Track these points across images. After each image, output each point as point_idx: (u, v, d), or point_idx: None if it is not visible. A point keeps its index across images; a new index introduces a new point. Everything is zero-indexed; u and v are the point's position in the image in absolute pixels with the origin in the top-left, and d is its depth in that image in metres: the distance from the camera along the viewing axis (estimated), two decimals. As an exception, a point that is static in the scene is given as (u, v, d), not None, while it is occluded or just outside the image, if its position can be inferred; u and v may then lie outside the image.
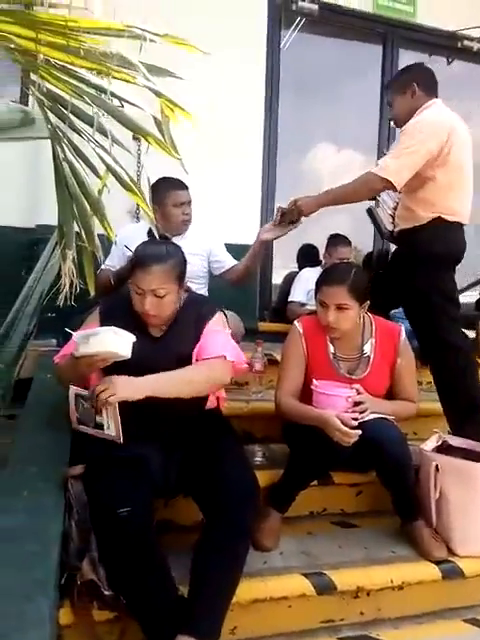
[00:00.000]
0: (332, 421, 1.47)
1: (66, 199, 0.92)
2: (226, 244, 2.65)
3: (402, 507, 1.72)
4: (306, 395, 1.72)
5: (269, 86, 3.41)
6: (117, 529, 1.25)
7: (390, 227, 2.26)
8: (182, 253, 1.58)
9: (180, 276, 1.52)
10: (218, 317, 1.60)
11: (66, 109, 0.89)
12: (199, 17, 2.73)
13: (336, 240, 3.28)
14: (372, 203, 2.35)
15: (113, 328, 1.32)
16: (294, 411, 1.66)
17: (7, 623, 1.01)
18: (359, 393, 1.61)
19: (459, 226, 2.04)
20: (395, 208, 2.21)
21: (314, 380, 1.65)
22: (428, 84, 2.12)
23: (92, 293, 1.24)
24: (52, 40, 0.87)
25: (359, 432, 1.48)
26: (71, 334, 1.34)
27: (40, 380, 1.72)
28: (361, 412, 1.57)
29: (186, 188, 2.28)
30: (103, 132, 0.94)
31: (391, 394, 1.81)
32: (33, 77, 0.91)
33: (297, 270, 3.59)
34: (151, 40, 0.90)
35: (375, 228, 2.36)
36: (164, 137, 0.98)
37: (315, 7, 3.30)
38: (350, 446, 1.50)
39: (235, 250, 2.78)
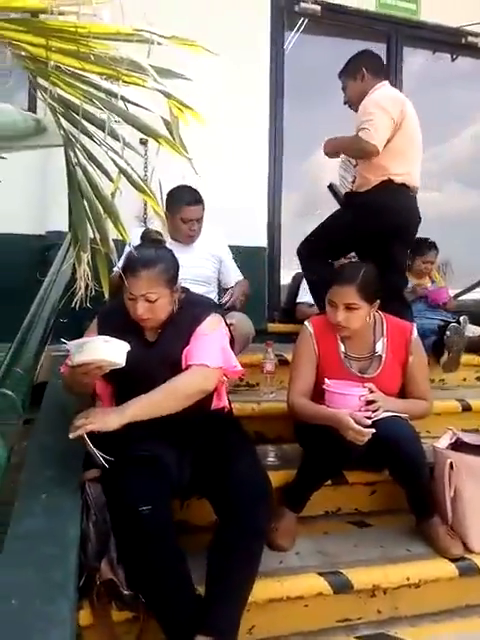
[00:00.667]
0: (345, 420, 1.47)
1: (79, 203, 0.93)
2: (231, 246, 2.66)
3: (417, 505, 1.72)
4: (318, 395, 1.72)
5: (273, 87, 3.42)
6: (139, 527, 1.26)
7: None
8: (172, 256, 1.56)
9: (171, 279, 1.50)
10: (210, 319, 1.55)
11: (78, 114, 0.90)
12: (203, 20, 2.74)
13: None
14: (334, 179, 2.58)
15: (104, 337, 1.34)
16: (307, 411, 1.66)
17: (29, 624, 1.02)
18: (372, 391, 1.61)
19: (406, 188, 2.31)
20: (353, 181, 2.44)
21: (326, 379, 1.65)
22: (375, 68, 2.40)
23: (106, 295, 1.25)
24: (63, 46, 0.88)
25: (373, 430, 1.47)
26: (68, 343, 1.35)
27: (54, 385, 1.74)
28: (374, 411, 1.57)
29: (199, 203, 2.29)
30: (114, 135, 0.96)
31: (404, 393, 1.80)
32: (45, 84, 0.92)
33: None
34: (159, 43, 0.91)
35: (336, 201, 2.56)
36: (174, 137, 0.99)
37: (317, 8, 3.31)
38: (364, 445, 1.50)
39: (241, 252, 2.79)
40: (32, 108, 2.75)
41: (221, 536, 1.31)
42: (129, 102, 0.88)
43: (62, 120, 0.91)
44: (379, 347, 1.77)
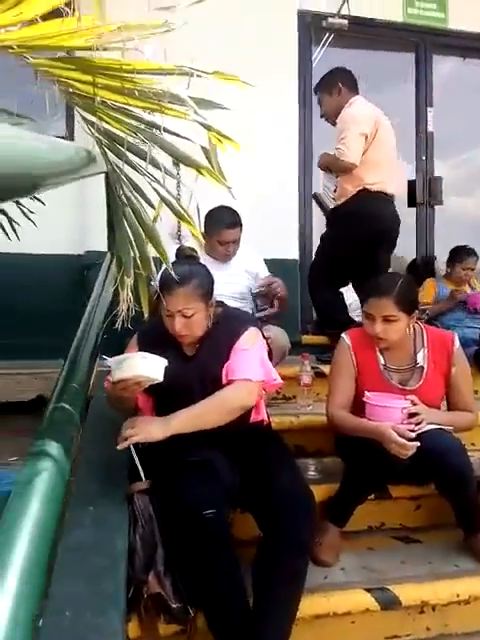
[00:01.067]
0: (388, 433, 1.46)
1: (124, 231, 0.97)
2: (266, 260, 2.69)
3: (464, 519, 1.68)
4: (357, 408, 1.71)
5: (302, 102, 3.46)
6: (202, 531, 1.27)
7: (332, 206, 2.67)
8: (206, 271, 1.59)
9: (206, 294, 1.53)
10: (249, 333, 1.56)
11: (123, 147, 0.95)
12: (232, 38, 2.82)
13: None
14: (319, 189, 2.79)
15: (142, 353, 1.37)
16: (348, 424, 1.65)
17: (82, 635, 1.05)
18: (414, 404, 1.59)
19: (384, 195, 2.49)
20: (334, 190, 2.63)
21: (366, 392, 1.64)
22: (350, 84, 2.58)
23: (146, 316, 1.29)
24: (108, 83, 0.93)
25: (417, 444, 1.45)
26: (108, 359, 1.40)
27: (98, 398, 1.80)
28: (417, 423, 1.54)
29: (237, 226, 2.31)
30: (155, 164, 1.00)
31: (447, 405, 1.77)
32: (91, 118, 0.97)
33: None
34: (198, 75, 0.95)
35: (320, 210, 2.77)
36: (212, 166, 1.03)
37: (345, 22, 3.33)
38: (407, 458, 1.48)
39: (275, 264, 2.81)
40: (70, 135, 2.88)
41: (266, 551, 1.32)
42: (171, 133, 0.92)
43: (108, 152, 0.96)
44: (420, 358, 1.75)
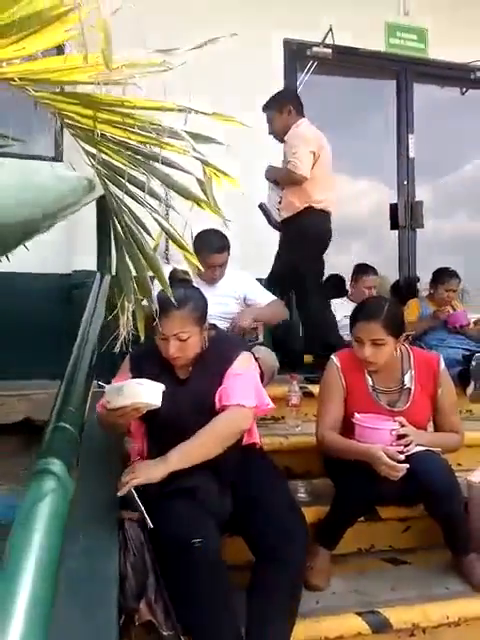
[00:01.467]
0: (379, 455, 1.48)
1: (125, 260, 0.99)
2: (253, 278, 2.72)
3: (453, 541, 1.69)
4: (346, 429, 1.73)
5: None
6: (191, 561, 1.26)
7: (277, 217, 2.83)
8: (201, 295, 1.61)
9: (201, 318, 1.54)
10: (242, 358, 1.58)
11: (123, 178, 0.97)
12: (219, 65, 2.89)
13: (362, 269, 3.32)
14: (263, 199, 2.89)
15: (138, 380, 1.38)
16: (338, 445, 1.67)
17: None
18: (403, 425, 1.62)
19: (326, 213, 2.73)
20: (279, 202, 2.79)
21: (356, 414, 1.66)
22: (299, 108, 2.80)
23: (142, 339, 1.30)
24: (109, 117, 0.96)
25: (407, 466, 1.48)
26: (105, 385, 1.41)
27: (91, 422, 1.79)
28: (406, 445, 1.57)
29: (225, 250, 2.36)
30: (153, 194, 1.03)
31: (434, 425, 1.80)
32: (92, 150, 0.99)
33: (324, 301, 3.63)
34: (196, 112, 0.98)
35: (266, 219, 2.88)
36: (207, 197, 1.06)
37: (329, 51, 3.44)
38: (397, 480, 1.50)
39: (262, 283, 2.85)
40: (59, 155, 2.90)
41: (260, 577, 1.32)
42: (170, 166, 0.95)
43: (108, 182, 0.98)
44: (407, 380, 1.78)
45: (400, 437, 1.60)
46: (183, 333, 1.49)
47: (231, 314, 2.41)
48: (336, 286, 3.73)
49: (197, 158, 0.93)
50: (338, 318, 3.24)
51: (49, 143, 2.95)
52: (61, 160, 2.94)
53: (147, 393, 1.34)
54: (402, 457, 1.50)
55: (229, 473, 1.52)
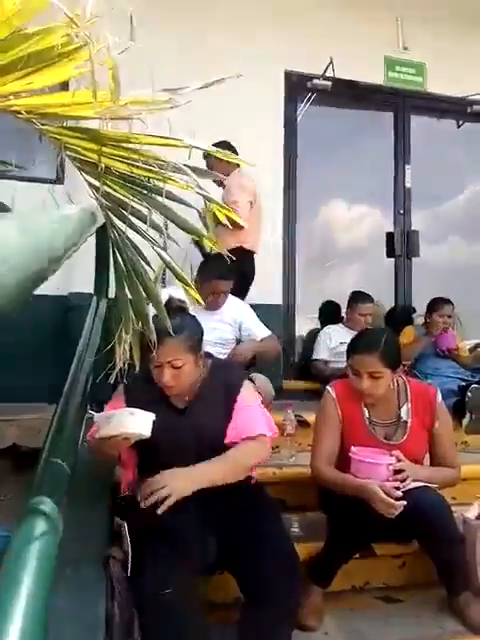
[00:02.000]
0: (376, 492, 1.46)
1: (124, 291, 0.99)
2: (251, 304, 2.73)
3: (448, 579, 1.66)
4: (341, 460, 1.71)
5: (287, 156, 3.60)
6: (162, 610, 1.23)
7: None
8: (196, 322, 1.60)
9: (195, 346, 1.53)
10: (248, 388, 1.59)
11: (126, 210, 0.97)
12: (222, 97, 2.94)
13: (358, 297, 3.33)
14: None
15: (130, 409, 1.36)
16: (333, 479, 1.64)
17: None
18: (399, 460, 1.60)
19: (252, 253, 2.99)
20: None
21: (352, 447, 1.64)
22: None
23: (138, 368, 1.29)
24: (114, 152, 0.96)
25: (404, 503, 1.45)
26: (94, 414, 1.39)
27: (81, 452, 1.75)
28: (402, 480, 1.55)
29: (230, 277, 2.40)
30: (157, 228, 1.03)
31: (430, 458, 1.78)
32: (96, 183, 1.00)
33: (319, 327, 3.62)
34: (200, 148, 0.99)
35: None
36: (207, 229, 1.06)
37: (328, 83, 3.52)
38: (393, 516, 1.47)
39: (260, 309, 2.85)
40: (60, 181, 2.92)
41: (251, 619, 1.27)
42: (174, 200, 0.95)
43: (110, 215, 0.98)
44: (404, 412, 1.77)
45: (397, 472, 1.57)
46: (177, 360, 1.48)
47: (227, 340, 2.41)
48: (332, 312, 3.74)
49: (201, 194, 0.93)
50: (333, 344, 3.25)
51: (51, 166, 2.97)
52: (62, 183, 2.95)
53: (137, 423, 1.31)
54: (399, 494, 1.48)
55: (221, 510, 1.48)
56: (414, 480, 1.59)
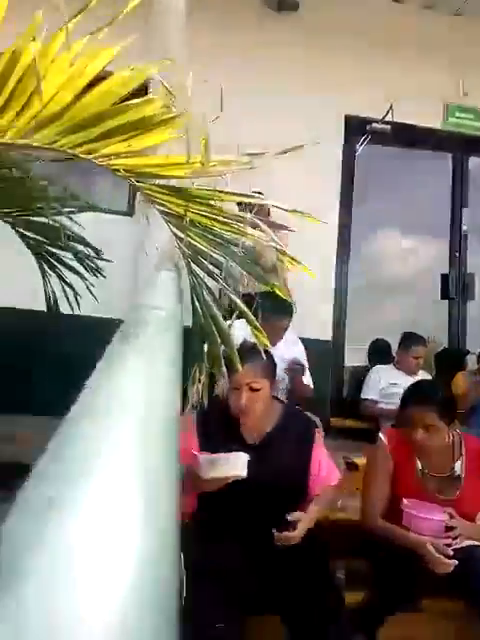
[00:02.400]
0: (428, 549, 1.43)
1: (198, 338, 1.06)
2: (301, 338, 2.75)
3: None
4: (390, 509, 1.68)
5: (344, 192, 3.67)
6: None
7: None
8: (271, 354, 1.65)
9: (273, 371, 1.61)
10: (320, 435, 1.68)
11: (205, 259, 1.05)
12: (286, 138, 3.06)
13: (412, 339, 3.26)
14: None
15: (236, 454, 1.42)
16: (386, 533, 1.62)
17: None
18: (452, 517, 1.56)
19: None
20: None
21: (405, 500, 1.62)
22: None
23: (205, 403, 1.33)
24: (199, 208, 1.04)
25: (455, 562, 1.42)
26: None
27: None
28: (454, 538, 1.51)
29: (290, 314, 2.44)
30: (232, 276, 1.10)
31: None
32: (180, 234, 1.08)
33: (368, 365, 3.57)
34: (276, 206, 1.06)
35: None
36: (279, 280, 1.11)
37: (388, 127, 3.58)
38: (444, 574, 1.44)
39: (311, 344, 2.87)
40: (131, 213, 3.10)
41: None
42: (248, 250, 1.02)
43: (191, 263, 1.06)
44: (458, 467, 1.73)
45: (448, 529, 1.54)
46: (256, 383, 1.52)
47: (279, 377, 2.44)
48: (382, 351, 3.67)
49: (275, 248, 0.99)
50: (383, 385, 3.19)
51: (122, 200, 3.17)
52: (131, 215, 3.13)
53: (241, 466, 1.38)
54: (451, 552, 1.44)
55: (265, 550, 1.49)
56: (467, 539, 1.55)
